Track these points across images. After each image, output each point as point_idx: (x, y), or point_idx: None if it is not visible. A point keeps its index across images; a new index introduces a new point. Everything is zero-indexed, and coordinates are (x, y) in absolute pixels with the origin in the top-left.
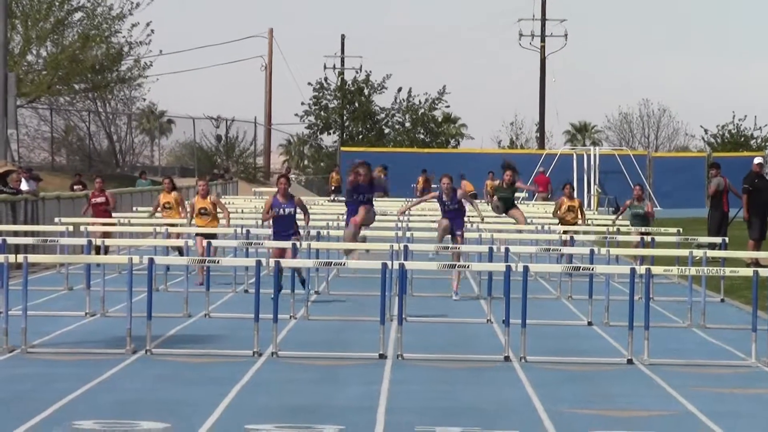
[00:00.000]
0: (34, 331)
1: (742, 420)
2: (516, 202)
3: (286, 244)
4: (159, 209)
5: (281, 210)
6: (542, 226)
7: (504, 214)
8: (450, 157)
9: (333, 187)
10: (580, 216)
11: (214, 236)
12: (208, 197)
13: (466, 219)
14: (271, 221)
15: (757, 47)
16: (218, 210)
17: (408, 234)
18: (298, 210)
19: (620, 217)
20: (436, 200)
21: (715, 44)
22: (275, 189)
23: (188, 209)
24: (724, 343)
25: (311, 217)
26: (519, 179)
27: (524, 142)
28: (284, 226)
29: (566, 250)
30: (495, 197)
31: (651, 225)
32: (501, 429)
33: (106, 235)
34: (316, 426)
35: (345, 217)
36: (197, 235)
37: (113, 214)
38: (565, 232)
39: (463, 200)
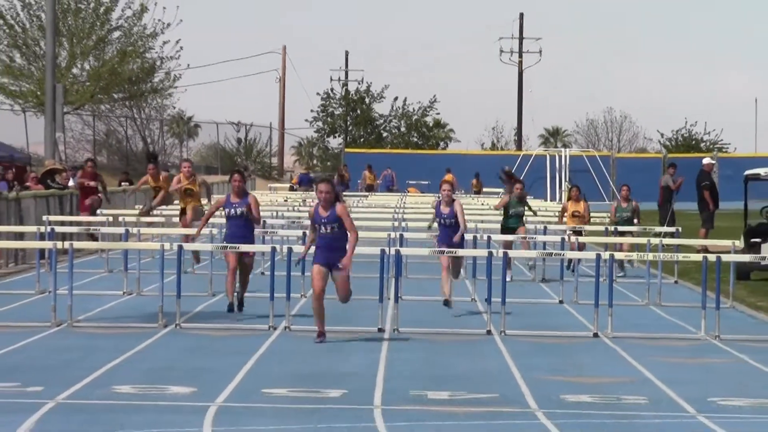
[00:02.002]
0: (79, 308)
1: (692, 385)
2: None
3: (248, 247)
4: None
5: (233, 210)
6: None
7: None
8: (439, 158)
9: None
10: (587, 220)
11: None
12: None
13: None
14: (205, 227)
15: (707, 62)
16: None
17: (403, 224)
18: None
19: (610, 222)
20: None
21: (671, 59)
22: (287, 185)
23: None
24: (677, 319)
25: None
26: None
27: (504, 144)
28: (237, 228)
29: (571, 254)
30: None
31: (638, 223)
32: (484, 393)
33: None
34: (323, 390)
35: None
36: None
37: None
38: (575, 232)
39: (458, 214)
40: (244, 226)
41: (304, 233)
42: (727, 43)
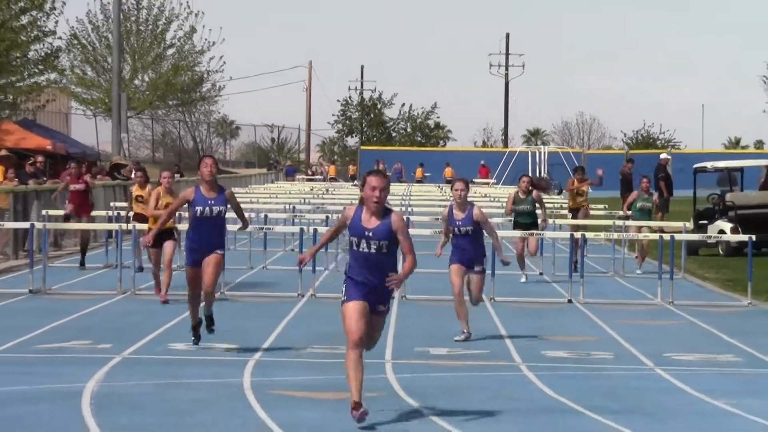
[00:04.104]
0: (140, 280)
1: (650, 343)
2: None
3: (211, 259)
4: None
5: (205, 208)
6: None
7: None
8: (440, 154)
9: (350, 175)
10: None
11: (171, 234)
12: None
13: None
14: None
15: (663, 74)
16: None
17: (409, 209)
18: (230, 209)
19: (624, 210)
20: (443, 221)
21: (633, 71)
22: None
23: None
24: (637, 287)
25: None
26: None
27: (493, 142)
28: (210, 231)
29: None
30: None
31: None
32: (477, 350)
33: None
34: (343, 347)
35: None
36: (153, 247)
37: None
38: (575, 228)
39: (482, 223)
40: (218, 230)
41: (327, 217)
42: (679, 59)
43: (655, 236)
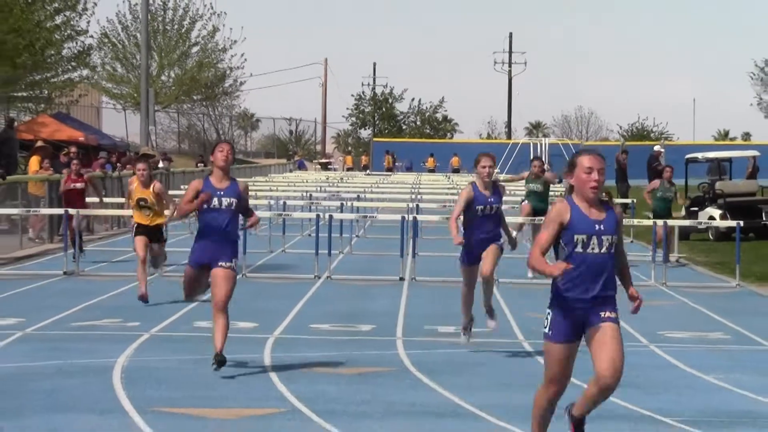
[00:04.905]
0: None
1: (645, 322)
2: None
3: (221, 269)
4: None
5: (217, 199)
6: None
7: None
8: (447, 146)
9: (363, 165)
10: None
11: (159, 234)
12: (151, 186)
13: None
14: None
15: (657, 70)
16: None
17: (419, 197)
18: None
19: (646, 197)
20: (465, 201)
21: (629, 67)
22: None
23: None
24: (632, 270)
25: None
26: (549, 170)
27: (497, 134)
28: (215, 231)
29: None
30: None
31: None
32: (481, 327)
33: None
34: (357, 325)
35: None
36: (138, 234)
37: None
38: None
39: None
40: (228, 225)
41: (342, 204)
42: (673, 57)
43: (649, 223)
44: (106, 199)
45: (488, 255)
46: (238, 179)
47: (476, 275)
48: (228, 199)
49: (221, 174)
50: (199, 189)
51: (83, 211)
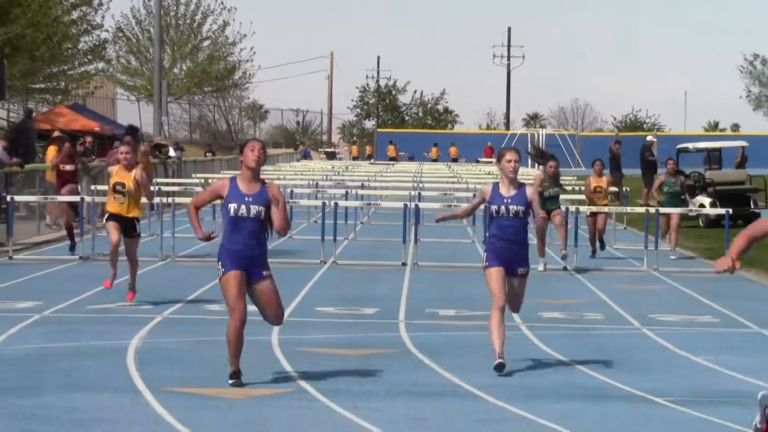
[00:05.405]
0: (179, 247)
1: (637, 305)
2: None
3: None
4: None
5: (240, 206)
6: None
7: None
8: (448, 136)
9: (368, 155)
10: (608, 197)
11: (133, 227)
12: (133, 172)
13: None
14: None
15: (650, 63)
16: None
17: (420, 185)
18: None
19: (654, 194)
20: (479, 201)
21: (623, 60)
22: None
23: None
24: (626, 256)
25: None
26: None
27: (496, 125)
28: (247, 238)
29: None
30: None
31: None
32: (481, 311)
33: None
34: (361, 308)
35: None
36: (109, 219)
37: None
38: (591, 215)
39: (533, 203)
40: (256, 236)
41: (347, 192)
42: (665, 50)
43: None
44: None
45: (517, 294)
46: (268, 182)
47: (503, 284)
48: (256, 208)
49: (250, 176)
50: (222, 195)
51: (99, 199)
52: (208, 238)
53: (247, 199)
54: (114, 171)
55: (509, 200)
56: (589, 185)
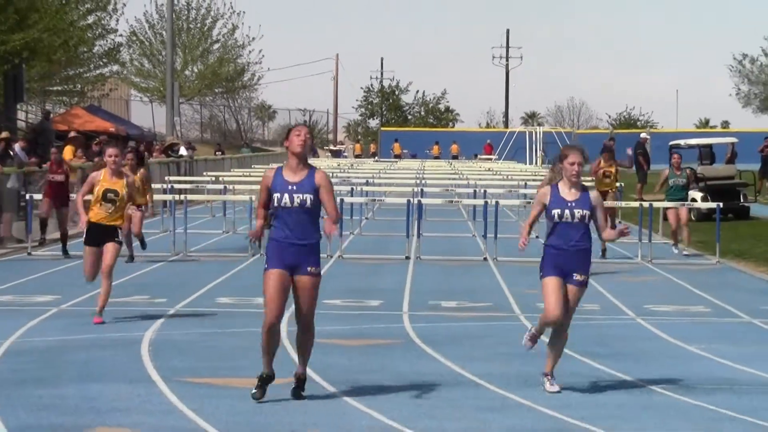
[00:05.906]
0: (191, 243)
1: (632, 296)
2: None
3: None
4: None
5: (284, 196)
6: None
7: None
8: (449, 134)
9: (372, 153)
10: (616, 181)
11: (114, 234)
12: (124, 178)
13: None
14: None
15: (643, 63)
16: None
17: (423, 181)
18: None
19: (660, 189)
20: (540, 208)
21: (618, 60)
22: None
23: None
24: (620, 248)
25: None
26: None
27: (495, 123)
28: (293, 231)
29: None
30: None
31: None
32: (481, 302)
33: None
34: (366, 300)
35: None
36: (88, 243)
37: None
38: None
39: (597, 208)
40: (307, 228)
41: (353, 188)
42: (657, 50)
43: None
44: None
45: (571, 301)
46: (318, 168)
47: (559, 294)
48: (300, 196)
49: (296, 162)
50: (269, 185)
51: None
52: (260, 234)
53: (290, 187)
54: (99, 177)
55: (573, 204)
56: (597, 170)
